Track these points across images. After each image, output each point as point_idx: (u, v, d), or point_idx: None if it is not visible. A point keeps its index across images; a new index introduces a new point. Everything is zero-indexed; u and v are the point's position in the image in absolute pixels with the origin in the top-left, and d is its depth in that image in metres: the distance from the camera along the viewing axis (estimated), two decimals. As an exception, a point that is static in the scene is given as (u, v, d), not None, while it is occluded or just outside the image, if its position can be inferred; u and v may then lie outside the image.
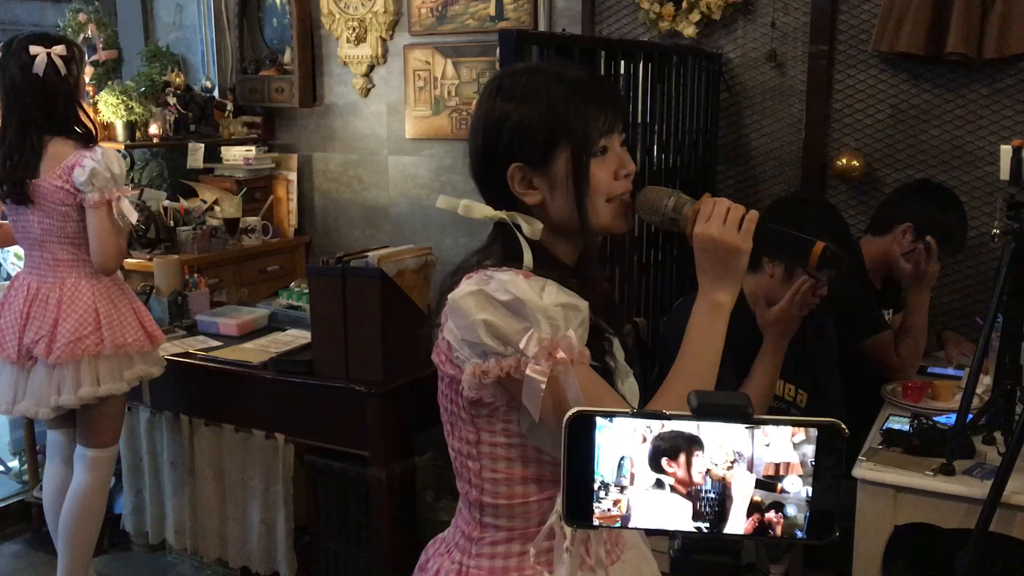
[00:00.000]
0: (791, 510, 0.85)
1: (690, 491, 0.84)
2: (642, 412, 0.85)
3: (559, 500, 1.02)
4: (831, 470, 0.84)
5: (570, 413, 0.86)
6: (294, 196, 4.35)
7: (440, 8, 3.88)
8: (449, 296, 1.15)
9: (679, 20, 3.40)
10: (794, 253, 1.23)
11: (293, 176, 4.35)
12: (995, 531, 1.89)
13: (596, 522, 0.87)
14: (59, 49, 2.58)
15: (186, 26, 4.44)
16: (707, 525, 0.85)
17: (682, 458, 0.84)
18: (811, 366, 2.45)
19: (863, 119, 3.25)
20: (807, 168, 3.34)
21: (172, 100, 3.99)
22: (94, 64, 3.97)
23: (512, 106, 1.19)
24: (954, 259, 3.00)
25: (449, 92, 3.91)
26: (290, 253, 4.29)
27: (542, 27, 3.64)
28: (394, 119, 4.10)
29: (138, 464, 3.11)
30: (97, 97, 3.81)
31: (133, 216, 2.67)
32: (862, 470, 2.05)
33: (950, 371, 2.74)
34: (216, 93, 4.33)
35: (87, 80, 2.74)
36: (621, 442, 0.85)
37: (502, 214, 1.21)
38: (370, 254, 2.64)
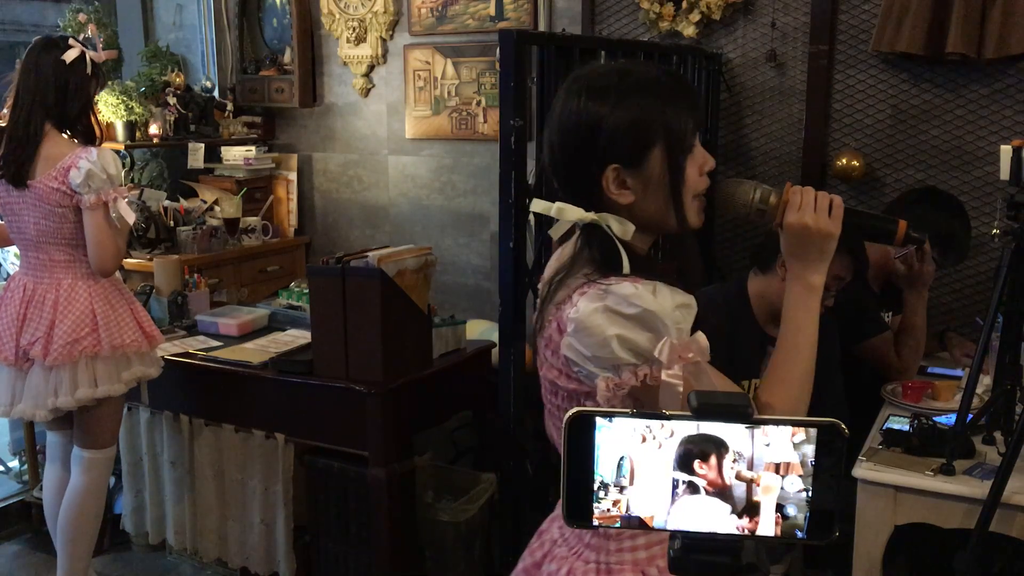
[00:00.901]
0: (791, 510, 0.85)
1: (721, 492, 0.84)
2: (642, 412, 0.85)
3: None
4: (831, 470, 0.84)
5: (570, 413, 0.86)
6: (294, 196, 4.35)
7: (440, 8, 3.88)
8: (571, 316, 1.17)
9: (679, 20, 3.40)
10: (881, 232, 1.31)
11: (293, 176, 4.35)
12: (995, 531, 1.89)
13: (596, 522, 0.87)
14: (93, 54, 2.65)
15: (186, 26, 4.44)
16: (746, 525, 0.85)
17: (713, 460, 0.84)
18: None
19: (863, 119, 3.25)
20: (807, 168, 3.34)
21: (172, 100, 3.99)
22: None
23: (607, 108, 1.21)
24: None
25: (449, 92, 3.91)
26: (290, 253, 4.29)
27: (542, 27, 3.64)
28: (394, 119, 4.10)
29: (138, 464, 3.11)
30: (97, 97, 3.81)
31: (130, 217, 2.66)
32: (862, 470, 2.04)
33: (950, 371, 2.74)
34: (216, 93, 4.33)
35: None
36: (621, 442, 0.85)
37: (595, 216, 1.23)
38: (370, 254, 2.64)
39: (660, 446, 0.85)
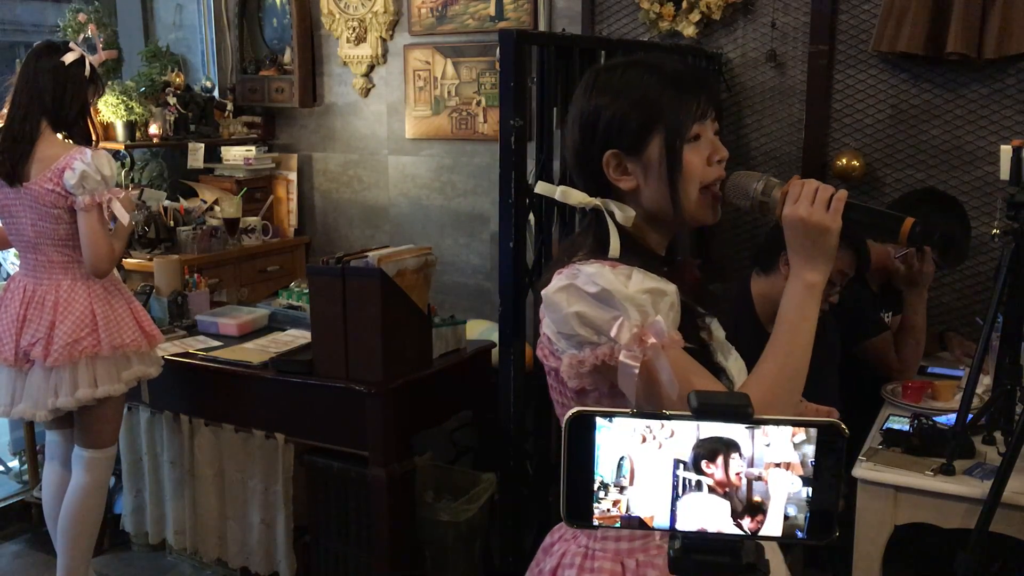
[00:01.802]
0: (791, 510, 0.85)
1: (728, 492, 0.84)
2: (642, 412, 0.85)
3: None
4: (831, 470, 0.84)
5: (570, 413, 0.86)
6: (294, 196, 4.35)
7: (440, 8, 3.88)
8: (542, 292, 1.21)
9: (679, 20, 3.40)
10: (884, 229, 1.24)
11: (293, 176, 4.35)
12: (995, 531, 1.89)
13: (596, 522, 0.87)
14: (93, 58, 2.67)
15: (186, 26, 4.44)
16: (749, 525, 0.85)
17: (720, 460, 0.84)
18: (812, 370, 2.44)
19: (863, 119, 3.25)
20: (807, 168, 3.34)
21: (172, 100, 3.99)
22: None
23: (608, 98, 1.23)
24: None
25: (449, 92, 3.91)
26: (290, 253, 4.28)
27: (542, 27, 3.64)
28: (394, 119, 4.10)
29: (138, 464, 3.11)
30: (97, 98, 3.80)
31: (125, 218, 2.66)
32: (862, 470, 2.05)
33: (950, 371, 2.74)
34: (216, 93, 4.33)
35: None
36: (621, 442, 0.85)
37: (596, 201, 1.25)
38: (370, 254, 2.64)
39: (660, 446, 0.85)
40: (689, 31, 3.37)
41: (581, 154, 1.28)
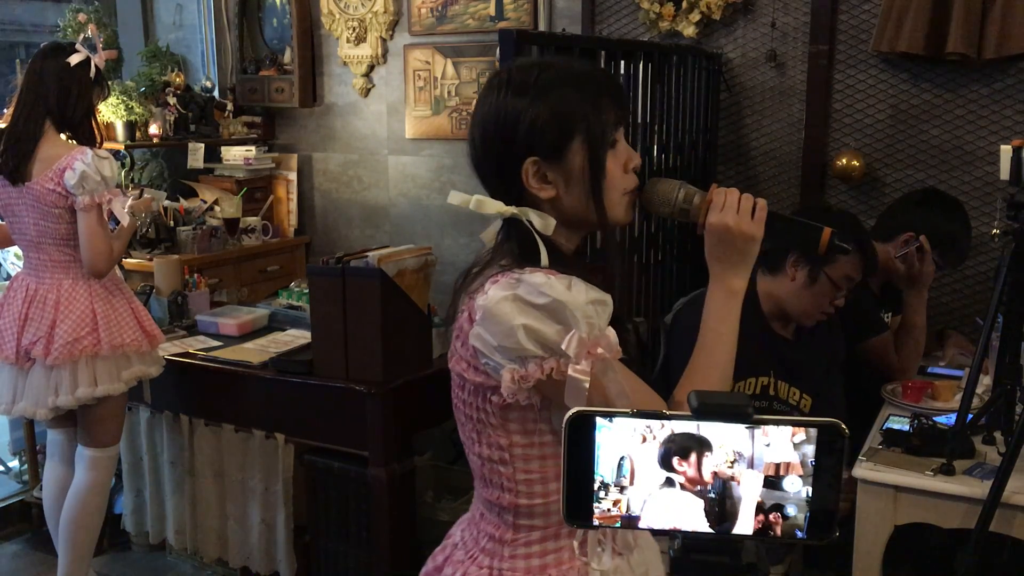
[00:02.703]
0: (791, 510, 0.85)
1: (700, 490, 0.84)
2: (642, 412, 0.85)
3: None
4: (831, 470, 0.84)
5: (570, 413, 0.86)
6: (294, 196, 4.35)
7: (440, 8, 3.88)
8: (480, 304, 1.14)
9: (679, 20, 3.40)
10: (804, 239, 1.26)
11: (293, 176, 4.35)
12: (995, 531, 1.89)
13: (596, 522, 0.87)
14: (98, 60, 2.67)
15: (186, 26, 4.44)
16: (718, 524, 0.85)
17: (692, 458, 0.84)
18: (816, 371, 2.45)
19: (863, 119, 3.25)
20: (807, 168, 3.34)
21: (172, 100, 3.99)
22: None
23: (526, 101, 1.19)
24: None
25: (449, 92, 3.91)
26: (290, 253, 4.28)
27: (542, 27, 3.64)
28: (394, 119, 4.10)
29: (138, 464, 3.11)
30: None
31: (125, 219, 2.67)
32: (862, 470, 2.04)
33: (950, 371, 2.74)
34: (216, 93, 4.33)
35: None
36: (621, 442, 0.85)
37: (514, 210, 1.21)
38: (370, 254, 2.64)
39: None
40: (689, 31, 3.37)
41: (493, 159, 1.23)
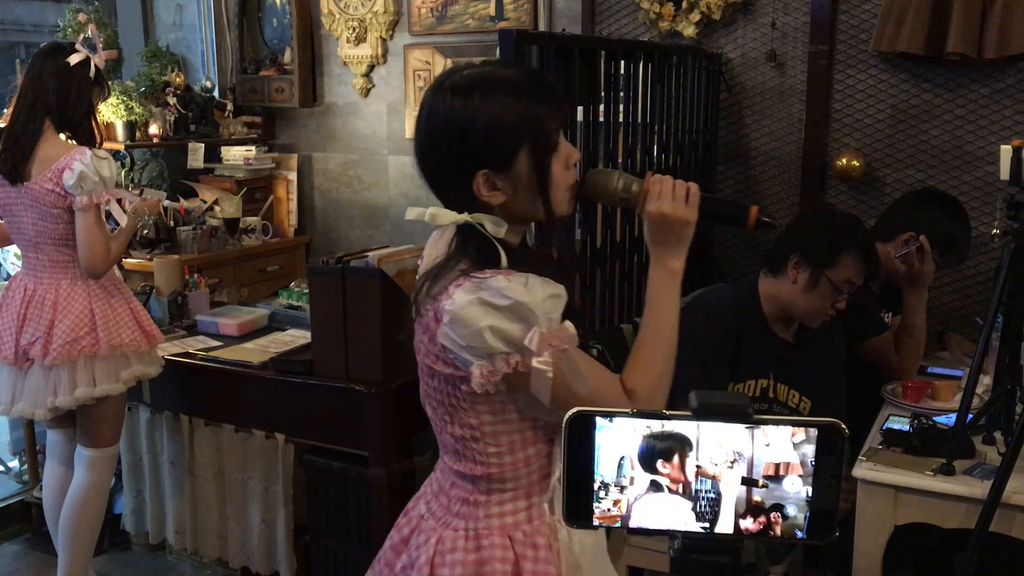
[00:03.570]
0: (791, 510, 0.85)
1: (685, 490, 0.85)
2: (642, 412, 0.85)
3: (557, 451, 1.25)
4: (831, 470, 0.84)
5: (570, 413, 0.86)
6: (294, 196, 4.35)
7: (440, 8, 3.88)
8: (447, 308, 1.22)
9: (679, 20, 3.40)
10: (734, 217, 1.36)
11: (293, 176, 4.35)
12: (995, 531, 1.89)
13: (596, 522, 0.87)
14: (98, 59, 2.66)
15: (186, 26, 4.44)
16: (704, 524, 0.85)
17: (675, 459, 0.84)
18: (817, 374, 2.45)
19: (863, 119, 3.25)
20: (807, 168, 3.34)
21: (172, 100, 3.99)
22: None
23: (471, 114, 1.24)
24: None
25: (449, 92, 3.91)
26: (290, 253, 4.28)
27: (542, 27, 3.64)
28: (394, 119, 4.10)
29: (138, 464, 3.11)
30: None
31: (123, 220, 2.66)
32: (862, 470, 2.04)
33: (950, 371, 2.74)
34: (216, 93, 4.33)
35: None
36: (621, 442, 0.85)
37: (468, 217, 1.28)
38: (370, 254, 2.64)
39: (660, 446, 0.85)
40: (689, 31, 3.37)
41: (443, 171, 1.30)
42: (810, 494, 0.84)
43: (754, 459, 0.84)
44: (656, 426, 0.85)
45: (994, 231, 2.14)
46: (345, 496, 2.73)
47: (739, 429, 0.84)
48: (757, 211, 1.33)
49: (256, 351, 2.90)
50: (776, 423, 0.84)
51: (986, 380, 2.26)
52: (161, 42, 4.33)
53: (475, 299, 1.20)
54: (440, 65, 3.91)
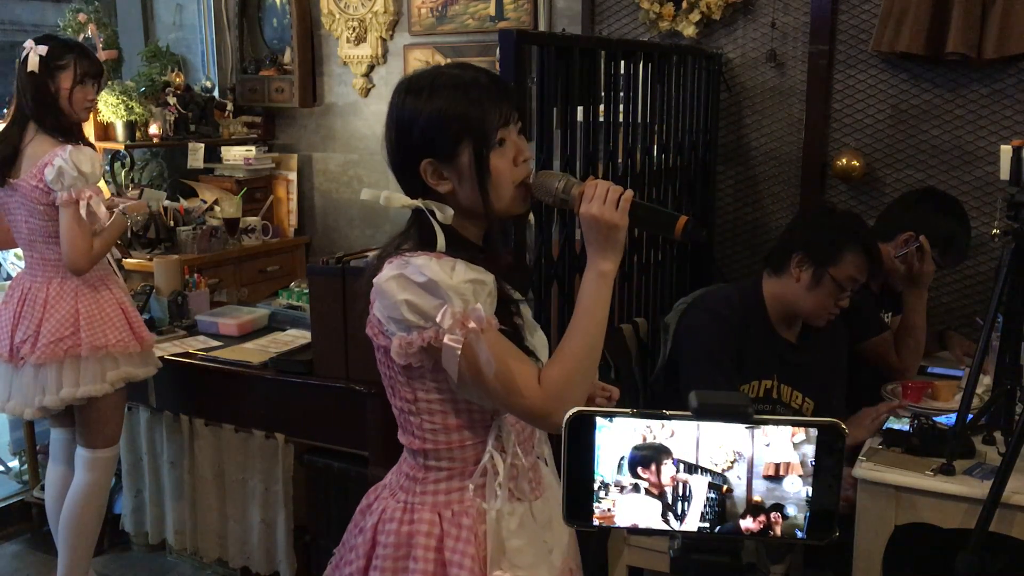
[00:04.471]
0: (791, 510, 0.85)
1: (661, 493, 0.86)
2: (642, 412, 0.85)
3: (491, 440, 1.39)
4: (831, 470, 0.84)
5: (570, 413, 0.86)
6: (294, 196, 4.35)
7: (440, 8, 3.88)
8: (374, 280, 1.34)
9: (679, 20, 3.40)
10: (663, 225, 1.40)
11: (293, 176, 4.35)
12: (995, 531, 1.89)
13: (596, 522, 0.87)
14: (40, 48, 2.61)
15: (186, 26, 4.44)
16: (677, 524, 0.86)
17: (653, 466, 0.86)
18: (820, 375, 2.45)
19: (863, 119, 3.25)
20: (807, 168, 3.34)
21: (172, 100, 3.99)
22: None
23: (419, 108, 1.37)
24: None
25: (449, 92, 3.91)
26: (290, 253, 4.29)
27: (542, 27, 3.64)
28: (394, 119, 4.10)
29: (138, 464, 3.11)
30: (96, 98, 3.80)
31: (102, 216, 2.63)
32: (862, 470, 2.04)
33: (950, 371, 2.74)
34: (216, 93, 4.33)
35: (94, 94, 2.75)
36: (621, 442, 0.85)
37: (418, 202, 1.39)
38: (370, 254, 2.63)
39: (660, 446, 0.85)
40: (689, 31, 3.37)
41: (399, 160, 1.44)
42: (810, 494, 0.84)
43: (754, 459, 0.84)
44: (662, 426, 0.85)
45: (994, 231, 2.13)
46: (345, 496, 2.73)
47: (739, 429, 0.84)
48: (685, 221, 1.36)
49: (256, 351, 2.90)
50: (776, 423, 0.84)
51: (986, 380, 2.26)
52: (161, 42, 4.33)
53: (397, 274, 1.30)
54: (440, 65, 3.91)
